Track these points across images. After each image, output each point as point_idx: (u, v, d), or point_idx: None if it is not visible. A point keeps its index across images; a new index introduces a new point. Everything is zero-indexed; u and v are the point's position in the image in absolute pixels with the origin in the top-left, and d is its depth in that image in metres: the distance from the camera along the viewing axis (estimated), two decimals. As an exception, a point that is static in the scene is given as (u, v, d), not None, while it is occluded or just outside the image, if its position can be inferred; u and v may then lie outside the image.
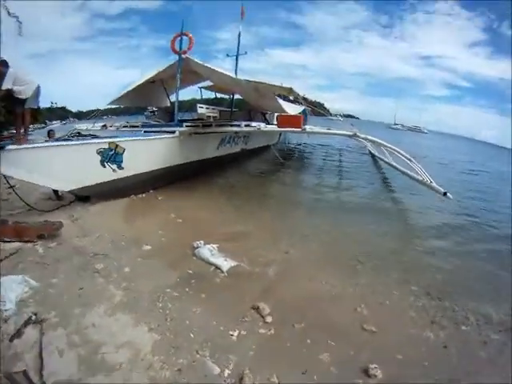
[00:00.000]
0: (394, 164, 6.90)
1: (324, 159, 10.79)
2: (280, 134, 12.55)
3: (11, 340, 1.83)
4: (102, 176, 4.49)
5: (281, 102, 7.01)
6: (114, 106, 7.73)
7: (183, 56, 5.72)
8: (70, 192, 4.37)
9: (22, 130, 3.78)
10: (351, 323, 2.30)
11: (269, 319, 2.29)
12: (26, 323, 2.00)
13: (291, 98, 9.92)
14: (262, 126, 7.03)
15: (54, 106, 44.71)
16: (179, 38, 5.67)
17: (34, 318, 2.05)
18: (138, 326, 2.09)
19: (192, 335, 2.06)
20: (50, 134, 4.63)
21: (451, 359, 2.00)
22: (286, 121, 5.66)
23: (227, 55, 9.39)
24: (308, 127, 6.37)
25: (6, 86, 3.31)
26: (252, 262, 3.15)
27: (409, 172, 5.83)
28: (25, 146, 3.58)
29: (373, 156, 10.76)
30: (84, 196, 4.53)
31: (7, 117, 6.48)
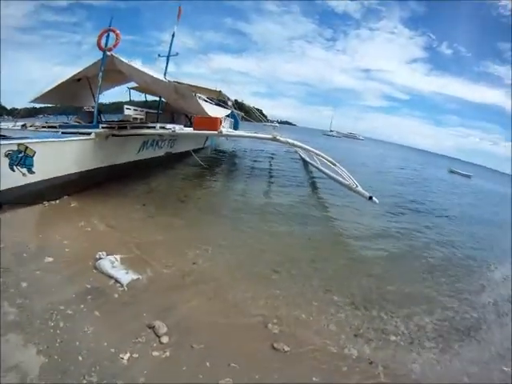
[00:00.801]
0: (322, 169, 8.72)
1: (253, 165, 12.97)
2: (206, 138, 14.71)
3: None
4: (11, 181, 5.07)
5: (203, 104, 8.31)
6: (50, 105, 9.45)
7: (108, 53, 6.72)
8: None
9: None
10: (260, 342, 2.71)
11: (165, 339, 2.61)
12: None
13: (231, 102, 13.00)
14: (177, 128, 7.86)
15: None
16: (106, 34, 6.65)
17: None
18: (27, 347, 2.49)
19: (80, 358, 2.39)
20: None
21: (378, 378, 2.34)
22: (202, 123, 6.79)
23: (158, 55, 11.21)
24: (225, 130, 7.56)
25: None
26: (156, 274, 3.67)
27: (336, 176, 7.33)
28: None
29: (304, 161, 13.16)
30: None
31: None
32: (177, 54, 11.63)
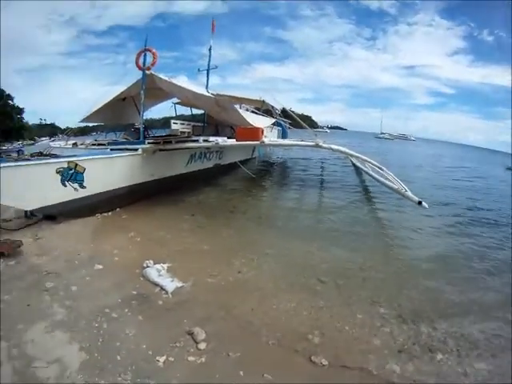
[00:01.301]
0: (372, 173, 9.64)
1: (302, 173, 14.14)
2: (254, 148, 16.32)
3: None
4: (63, 195, 6.27)
5: (245, 114, 9.34)
6: (99, 124, 11.82)
7: (147, 72, 8.09)
8: (32, 211, 6.30)
9: None
10: (298, 354, 2.92)
11: (202, 346, 2.96)
12: None
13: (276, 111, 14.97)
14: (220, 140, 8.74)
15: (43, 122, 62.25)
16: (143, 54, 8.06)
17: None
18: (71, 344, 3.07)
19: (119, 357, 2.90)
20: (19, 154, 6.57)
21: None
22: (244, 133, 7.62)
23: (198, 70, 13.12)
24: (268, 139, 8.36)
25: None
26: (200, 282, 4.18)
27: (384, 181, 8.13)
28: None
29: (354, 166, 14.14)
30: (50, 215, 6.39)
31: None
32: (216, 67, 13.36)
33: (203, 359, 2.86)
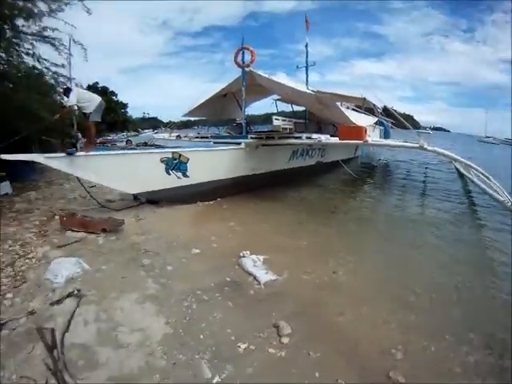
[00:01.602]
0: (477, 182, 9.65)
1: (405, 176, 14.22)
2: (356, 148, 16.91)
3: (51, 304, 3.56)
4: (167, 182, 7.25)
5: (348, 112, 9.63)
6: (201, 118, 13.61)
7: (246, 69, 9.07)
8: (136, 195, 7.41)
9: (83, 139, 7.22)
10: (376, 365, 2.90)
11: (285, 340, 3.07)
12: (68, 295, 3.70)
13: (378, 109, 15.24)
14: (323, 138, 9.11)
15: (147, 116, 73.44)
16: (241, 52, 9.12)
17: (76, 292, 3.76)
18: (157, 317, 3.41)
19: (201, 337, 3.15)
20: (128, 143, 8.10)
21: None
22: (347, 132, 7.72)
23: (297, 67, 14.09)
24: (371, 139, 8.26)
25: (72, 102, 6.70)
26: (294, 277, 4.33)
27: (490, 192, 8.27)
28: (92, 153, 6.50)
29: (459, 173, 14.12)
30: (153, 200, 7.35)
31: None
32: (314, 63, 14.10)
33: (283, 353, 2.98)
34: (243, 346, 3.04)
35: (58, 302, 3.70)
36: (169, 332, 3.26)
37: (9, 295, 3.85)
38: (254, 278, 4.30)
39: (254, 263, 4.55)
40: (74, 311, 3.52)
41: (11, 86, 9.00)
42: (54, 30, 8.64)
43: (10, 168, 8.95)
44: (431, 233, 6.77)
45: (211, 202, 8.02)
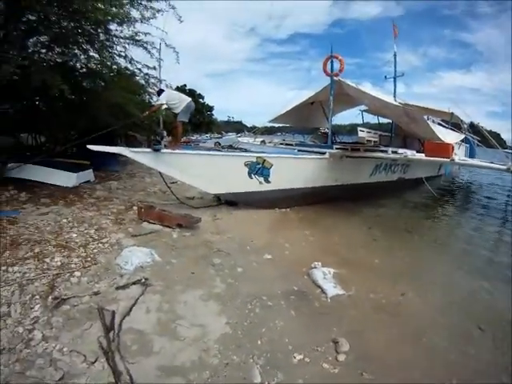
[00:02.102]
0: None
1: (489, 200, 13.45)
2: (440, 166, 16.03)
3: (117, 288, 3.85)
4: (248, 186, 7.55)
5: (435, 128, 9.41)
6: (285, 125, 13.91)
7: (335, 78, 9.19)
8: (215, 195, 7.82)
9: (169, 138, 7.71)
10: None
11: (341, 358, 3.09)
12: (135, 282, 3.97)
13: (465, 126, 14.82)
14: (409, 153, 9.08)
15: (231, 119, 76.91)
16: (330, 61, 9.22)
17: (143, 280, 4.02)
18: (219, 316, 3.55)
19: (259, 342, 3.21)
20: (216, 145, 8.74)
21: None
22: (433, 148, 7.72)
23: (385, 77, 13.89)
24: (458, 158, 8.23)
25: (162, 101, 7.34)
26: (361, 295, 4.34)
27: None
28: (177, 151, 6.98)
29: None
30: (232, 201, 7.68)
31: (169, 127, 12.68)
32: (402, 74, 13.76)
33: (336, 370, 3.02)
34: (298, 357, 3.10)
35: (124, 287, 4.01)
36: (227, 332, 3.38)
37: (77, 273, 4.28)
38: (322, 290, 4.35)
39: (323, 275, 4.61)
40: (138, 298, 3.79)
41: (103, 84, 10.01)
42: (146, 34, 9.41)
43: (95, 158, 10.13)
44: (507, 263, 6.43)
45: (288, 210, 8.20)
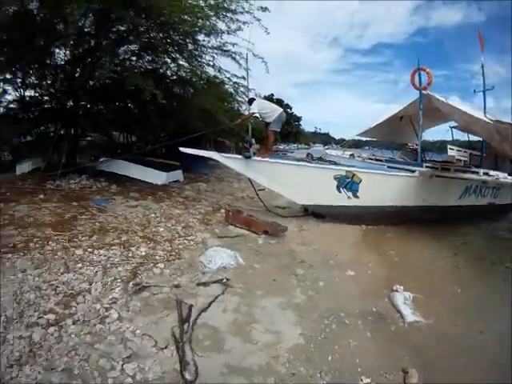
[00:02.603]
0: None
1: None
2: None
3: (198, 284, 4.20)
4: (336, 199, 7.67)
5: None
6: (372, 139, 13.76)
7: (424, 92, 9.14)
8: (303, 206, 8.02)
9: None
10: None
11: None
12: (217, 281, 4.29)
13: None
14: (501, 175, 8.82)
15: (318, 131, 78.98)
16: (418, 73, 9.26)
17: (224, 280, 4.33)
18: (295, 326, 3.70)
19: (330, 358, 3.29)
20: (308, 156, 8.95)
21: None
22: None
23: (474, 91, 13.08)
24: None
25: (254, 110, 7.67)
26: (440, 326, 4.22)
27: None
28: (267, 159, 7.31)
29: None
30: (319, 213, 7.82)
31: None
32: (492, 87, 12.79)
33: None
34: (365, 381, 3.14)
35: (205, 284, 4.35)
36: (300, 343, 3.51)
37: (160, 265, 4.72)
38: (400, 315, 4.36)
39: (404, 300, 4.61)
40: (218, 296, 4.09)
41: (193, 91, 10.87)
42: (233, 44, 10.01)
43: (185, 160, 11.01)
44: None
45: (375, 227, 8.22)
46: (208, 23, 8.65)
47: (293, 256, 5.61)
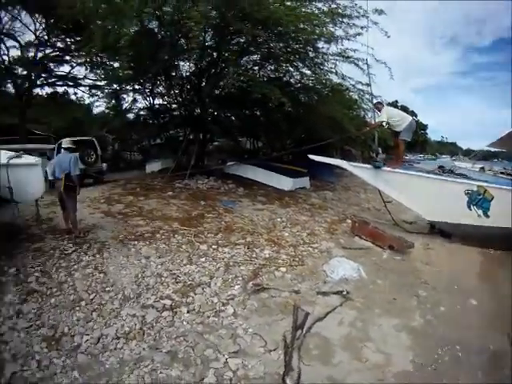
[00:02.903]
0: None
1: None
2: None
3: (318, 293, 4.41)
4: (465, 218, 6.95)
5: None
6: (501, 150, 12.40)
7: None
8: (430, 222, 7.47)
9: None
10: None
11: None
12: (337, 292, 4.44)
13: None
14: None
15: (445, 140, 70.77)
16: None
17: (344, 292, 4.44)
18: (407, 351, 3.65)
19: None
20: (439, 168, 7.91)
21: None
22: None
23: None
24: None
25: (381, 119, 7.31)
26: None
27: None
28: (397, 170, 6.98)
29: None
30: (445, 232, 7.22)
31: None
32: None
33: None
34: None
35: (325, 293, 4.52)
36: (409, 370, 3.46)
37: (282, 269, 5.00)
38: None
39: None
40: (335, 308, 4.24)
41: (317, 98, 10.90)
42: (354, 50, 9.86)
43: (311, 167, 11.05)
44: None
45: (505, 253, 7.11)
46: (326, 30, 8.73)
47: (416, 275, 5.44)
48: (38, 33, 15.29)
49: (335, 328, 3.86)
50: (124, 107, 13.19)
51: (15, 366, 3.19)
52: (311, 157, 7.39)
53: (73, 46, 15.69)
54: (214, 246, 5.50)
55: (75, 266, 4.73)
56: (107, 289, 4.32)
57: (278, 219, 7.08)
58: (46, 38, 15.62)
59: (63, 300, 4.05)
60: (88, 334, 3.58)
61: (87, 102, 20.47)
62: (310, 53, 9.75)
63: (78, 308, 3.93)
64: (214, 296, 4.24)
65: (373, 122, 8.61)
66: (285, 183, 10.24)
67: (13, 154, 5.06)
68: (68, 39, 15.88)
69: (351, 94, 12.22)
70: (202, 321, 3.78)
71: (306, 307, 4.10)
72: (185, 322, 3.77)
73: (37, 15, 14.66)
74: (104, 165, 12.66)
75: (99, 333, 3.60)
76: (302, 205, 8.50)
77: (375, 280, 5.03)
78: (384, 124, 7.80)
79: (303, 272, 4.98)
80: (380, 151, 8.56)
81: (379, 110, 7.82)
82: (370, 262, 5.62)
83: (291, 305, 4.11)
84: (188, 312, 3.93)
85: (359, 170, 7.24)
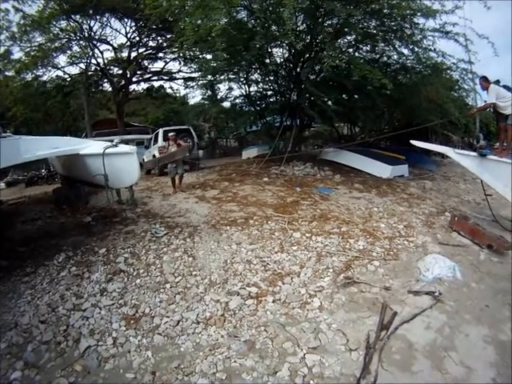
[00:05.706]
0: None
1: None
2: None
3: (409, 292, 4.09)
4: None
5: None
6: None
7: None
8: None
9: (505, 144, 6.31)
10: None
11: None
12: (429, 293, 4.04)
13: None
14: None
15: None
16: None
17: (437, 294, 4.03)
18: (490, 367, 3.27)
19: None
20: None
21: None
22: None
23: None
24: None
25: (491, 100, 6.13)
26: None
27: None
28: (504, 159, 5.95)
29: None
30: None
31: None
32: None
33: None
34: None
35: (416, 293, 4.20)
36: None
37: (376, 263, 4.75)
38: None
39: None
40: (424, 310, 3.93)
41: (417, 80, 9.96)
42: (453, 24, 8.81)
43: (409, 154, 10.48)
44: None
45: None
46: (423, 4, 8.07)
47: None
48: (129, 35, 17.00)
49: (421, 332, 3.62)
50: (219, 96, 13.46)
51: (91, 340, 3.47)
52: (413, 142, 6.82)
53: (164, 44, 17.03)
54: (307, 235, 5.42)
55: (164, 249, 5.02)
56: (194, 273, 4.51)
57: (375, 209, 6.75)
58: (137, 39, 17.33)
59: (149, 281, 4.33)
60: (168, 317, 3.79)
61: (183, 93, 22.38)
62: (407, 30, 9.05)
63: (162, 290, 4.18)
64: (303, 287, 4.20)
65: (478, 104, 7.60)
66: (383, 171, 9.66)
67: (109, 144, 5.36)
68: (159, 37, 17.34)
69: (452, 73, 11.08)
70: (286, 312, 3.78)
71: (395, 306, 3.90)
72: (268, 312, 3.80)
73: (126, 19, 16.21)
74: (200, 152, 13.30)
75: (179, 316, 3.80)
76: (400, 194, 7.98)
77: (469, 283, 4.50)
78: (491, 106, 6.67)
79: (396, 267, 4.70)
80: (482, 137, 7.67)
81: (485, 89, 6.65)
82: (466, 261, 5.05)
83: (380, 302, 3.93)
84: (273, 302, 3.96)
85: (464, 158, 6.50)
